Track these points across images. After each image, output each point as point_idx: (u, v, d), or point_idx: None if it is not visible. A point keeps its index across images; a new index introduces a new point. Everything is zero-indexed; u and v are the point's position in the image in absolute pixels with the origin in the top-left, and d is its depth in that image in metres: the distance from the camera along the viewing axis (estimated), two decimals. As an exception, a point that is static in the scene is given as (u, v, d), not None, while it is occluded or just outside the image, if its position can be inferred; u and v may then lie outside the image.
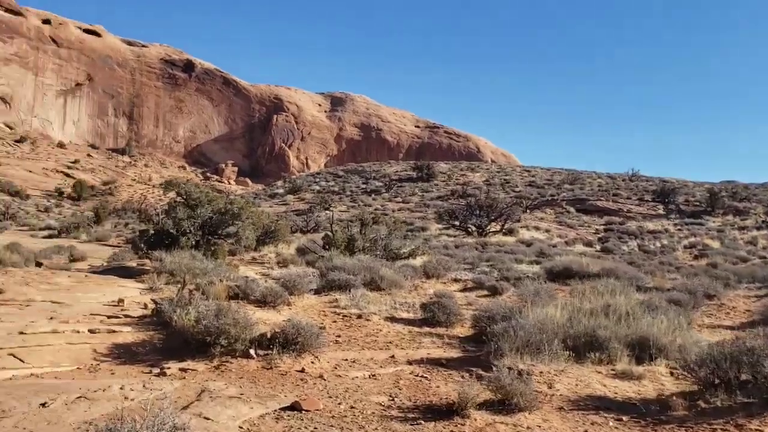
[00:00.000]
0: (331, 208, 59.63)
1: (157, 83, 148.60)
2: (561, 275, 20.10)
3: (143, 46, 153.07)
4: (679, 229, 58.97)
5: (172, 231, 18.06)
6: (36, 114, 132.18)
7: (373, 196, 77.39)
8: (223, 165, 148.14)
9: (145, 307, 11.57)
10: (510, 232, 52.80)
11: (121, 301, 11.82)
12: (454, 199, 74.92)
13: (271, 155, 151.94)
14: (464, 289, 18.99)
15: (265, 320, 10.69)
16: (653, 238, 53.95)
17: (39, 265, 23.93)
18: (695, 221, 63.35)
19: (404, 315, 12.69)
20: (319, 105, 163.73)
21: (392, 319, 12.24)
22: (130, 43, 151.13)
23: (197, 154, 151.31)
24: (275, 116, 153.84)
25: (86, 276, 14.48)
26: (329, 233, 24.81)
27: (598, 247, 46.07)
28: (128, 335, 9.44)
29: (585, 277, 18.95)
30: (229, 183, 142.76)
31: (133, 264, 19.90)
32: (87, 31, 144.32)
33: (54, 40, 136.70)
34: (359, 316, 12.19)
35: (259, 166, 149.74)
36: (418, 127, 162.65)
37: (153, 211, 56.28)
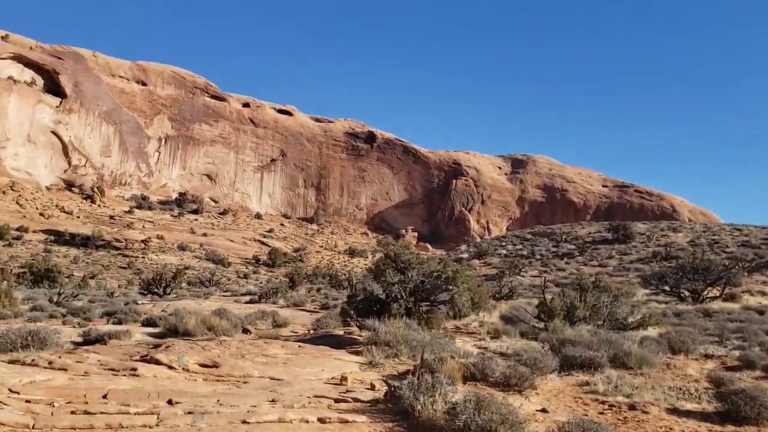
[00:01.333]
0: (522, 273, 56.64)
1: (341, 155, 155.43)
2: None
3: (329, 121, 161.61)
4: None
5: (381, 297, 16.57)
6: (237, 188, 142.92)
7: (566, 259, 73.15)
8: (404, 230, 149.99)
9: (372, 387, 9.86)
10: (731, 297, 46.62)
11: (344, 379, 10.22)
12: (656, 261, 68.72)
13: (451, 220, 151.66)
14: (727, 368, 15.52)
15: (524, 412, 8.49)
16: None
17: (246, 331, 23.65)
18: None
19: (689, 406, 9.88)
20: (499, 168, 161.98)
21: (676, 412, 9.50)
22: (318, 120, 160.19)
23: (378, 221, 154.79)
24: (454, 181, 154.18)
25: (299, 346, 13.23)
26: (544, 299, 22.22)
27: None
28: (364, 427, 7.67)
29: None
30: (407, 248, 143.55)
31: (341, 332, 18.64)
32: (280, 111, 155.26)
33: (252, 121, 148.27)
34: (631, 407, 9.58)
35: (439, 231, 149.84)
36: (605, 186, 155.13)
37: (343, 276, 56.70)
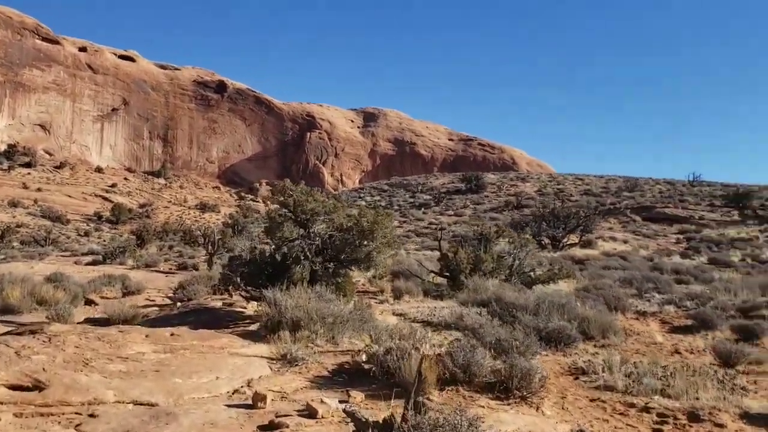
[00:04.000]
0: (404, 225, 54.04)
1: (190, 105, 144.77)
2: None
3: (176, 69, 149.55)
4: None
5: (276, 258, 12.42)
6: (74, 140, 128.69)
7: (423, 209, 71.70)
8: (258, 184, 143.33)
9: (312, 414, 5.89)
10: (588, 244, 46.73)
11: (260, 399, 6.13)
12: (509, 210, 69.01)
13: (305, 173, 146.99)
14: (675, 329, 13.07)
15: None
16: (747, 246, 47.44)
17: (90, 303, 18.47)
18: (779, 227, 56.39)
19: (750, 404, 6.79)
20: (352, 121, 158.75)
21: (749, 417, 6.39)
22: (163, 67, 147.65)
23: (231, 174, 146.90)
24: (308, 134, 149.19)
25: (172, 335, 8.87)
26: (446, 253, 19.02)
27: (703, 259, 39.82)
28: None
29: None
30: (264, 202, 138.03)
31: (217, 303, 14.26)
32: (122, 57, 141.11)
33: (90, 67, 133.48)
34: (692, 416, 6.31)
35: (294, 185, 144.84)
36: (451, 140, 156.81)
37: (198, 232, 51.01)
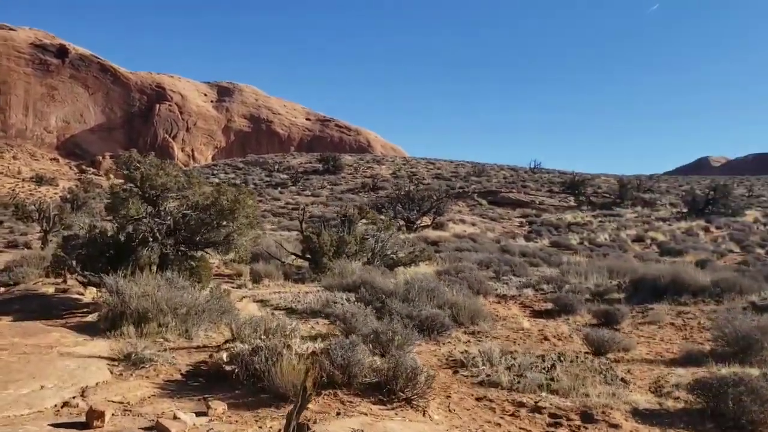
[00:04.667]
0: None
1: (26, 69, 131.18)
2: (645, 289, 14.52)
3: (11, 29, 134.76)
4: (601, 222, 56.12)
5: (119, 239, 10.82)
6: None
7: (279, 189, 69.99)
8: (101, 157, 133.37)
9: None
10: (440, 226, 47.71)
11: (97, 416, 4.88)
12: (365, 192, 69.12)
13: (154, 147, 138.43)
14: (536, 314, 13.06)
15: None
16: (584, 230, 50.67)
17: None
18: (609, 212, 61.02)
19: (641, 400, 6.48)
20: (205, 95, 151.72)
21: (641, 415, 6.05)
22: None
23: (71, 146, 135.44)
24: (158, 105, 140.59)
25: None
26: (309, 234, 18.06)
27: (546, 242, 41.84)
28: None
29: (690, 291, 13.58)
30: (108, 177, 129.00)
31: (49, 289, 12.32)
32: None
33: None
34: (585, 416, 5.87)
35: (143, 156, 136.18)
36: (309, 119, 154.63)
37: (32, 206, 46.19)
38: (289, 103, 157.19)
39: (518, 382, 6.67)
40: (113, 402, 5.51)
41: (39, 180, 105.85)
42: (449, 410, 5.85)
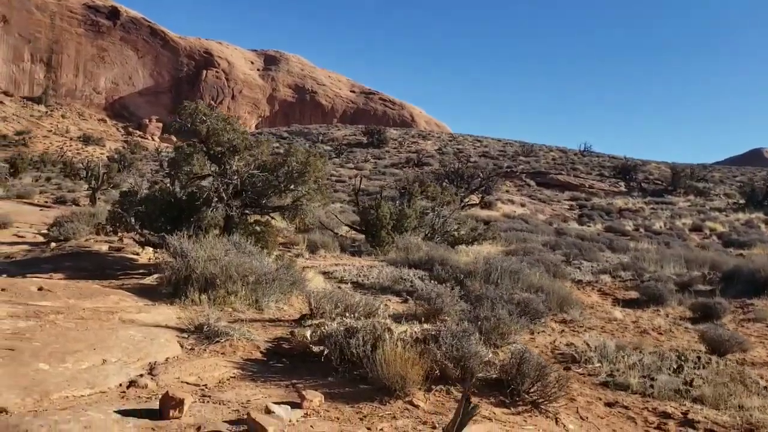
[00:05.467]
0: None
1: (78, 30, 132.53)
2: (740, 282, 13.22)
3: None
4: (653, 209, 54.08)
5: (182, 197, 10.03)
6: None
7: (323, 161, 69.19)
8: (147, 120, 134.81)
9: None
10: (488, 205, 46.41)
11: (174, 405, 4.00)
12: (409, 167, 67.96)
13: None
14: (625, 304, 11.92)
15: None
16: (636, 217, 48.87)
17: (-62, 236, 15.15)
18: (661, 200, 58.79)
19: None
20: (252, 63, 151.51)
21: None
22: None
23: (119, 107, 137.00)
24: (205, 71, 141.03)
25: (41, 290, 6.49)
26: (367, 207, 17.15)
27: (599, 227, 40.35)
28: None
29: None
30: (153, 139, 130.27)
31: (102, 247, 11.65)
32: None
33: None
34: None
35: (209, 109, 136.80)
36: (353, 92, 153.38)
37: (80, 165, 46.32)
38: (334, 75, 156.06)
39: (651, 386, 5.64)
40: (187, 383, 4.66)
41: (86, 139, 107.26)
42: (581, 418, 4.86)
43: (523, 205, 51.80)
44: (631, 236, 32.91)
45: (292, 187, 10.07)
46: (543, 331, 8.21)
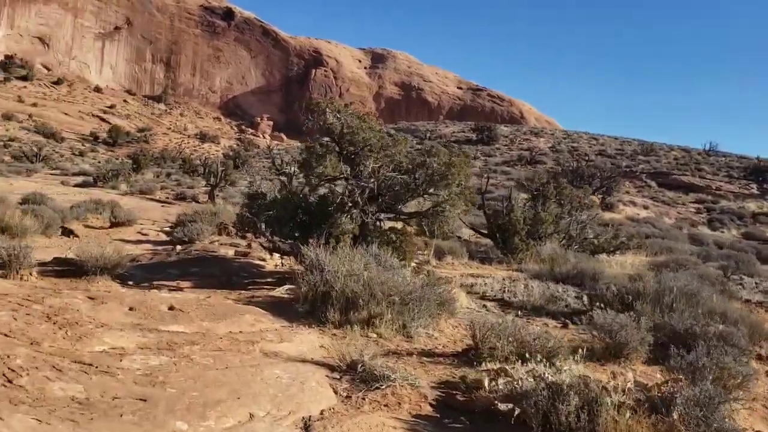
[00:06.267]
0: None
1: (195, 30, 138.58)
2: None
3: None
4: (795, 214, 49.23)
5: (312, 201, 9.18)
6: (74, 56, 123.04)
7: (467, 161, 68.20)
8: (259, 118, 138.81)
9: None
10: (610, 207, 43.66)
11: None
12: (521, 165, 65.65)
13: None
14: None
15: None
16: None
17: (67, 233, 15.23)
18: (802, 204, 53.47)
19: None
20: (359, 61, 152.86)
21: None
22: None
23: (233, 106, 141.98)
24: (314, 70, 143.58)
25: (171, 310, 5.72)
26: (497, 210, 15.83)
27: (734, 233, 36.96)
28: None
29: None
30: (264, 137, 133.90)
31: (229, 252, 11.03)
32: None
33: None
34: None
35: (296, 122, 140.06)
36: (460, 88, 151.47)
37: (198, 161, 47.59)
38: (441, 71, 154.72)
39: None
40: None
41: (202, 137, 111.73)
42: None
43: (645, 208, 48.66)
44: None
45: (431, 190, 8.97)
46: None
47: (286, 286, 8.16)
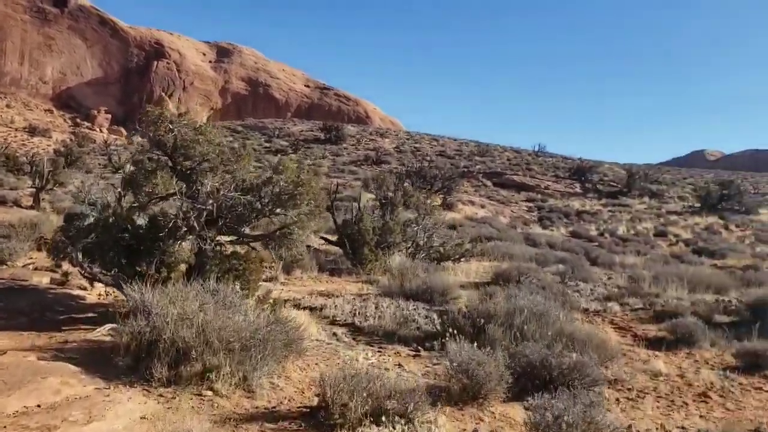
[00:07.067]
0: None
1: (23, 16, 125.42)
2: None
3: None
4: (611, 211, 53.70)
5: (141, 224, 7.93)
6: None
7: (279, 156, 66.70)
8: (95, 111, 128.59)
9: None
10: (449, 207, 44.92)
11: None
12: (368, 165, 66.13)
13: (150, 104, 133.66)
14: (650, 345, 10.32)
15: None
16: (596, 219, 48.28)
17: None
18: (617, 202, 58.61)
19: None
20: (204, 54, 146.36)
21: None
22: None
23: (66, 98, 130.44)
24: (156, 62, 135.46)
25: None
26: (346, 219, 15.22)
27: (563, 231, 39.35)
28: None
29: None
30: (101, 131, 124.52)
31: (44, 279, 9.40)
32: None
33: None
34: None
35: (136, 115, 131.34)
36: (308, 86, 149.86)
37: (25, 159, 42.70)
38: (289, 68, 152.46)
39: None
40: None
41: (32, 130, 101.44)
42: None
43: (483, 207, 50.67)
44: (598, 242, 31.89)
45: (278, 210, 8.08)
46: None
47: (108, 326, 6.92)
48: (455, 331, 7.86)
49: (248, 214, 7.97)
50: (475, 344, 7.66)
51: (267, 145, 72.46)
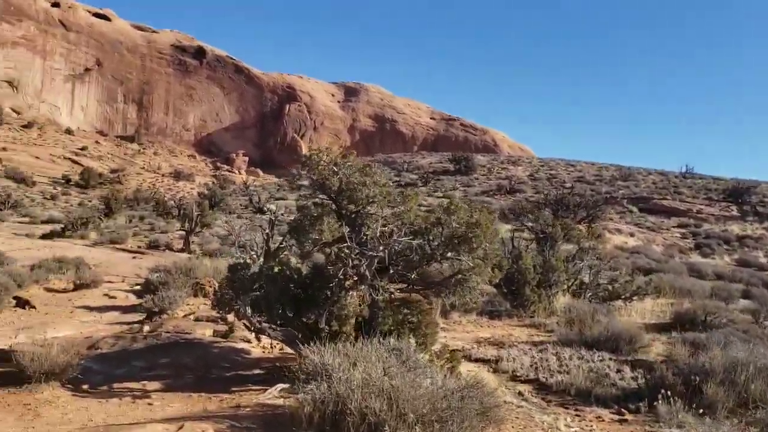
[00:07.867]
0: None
1: (167, 70, 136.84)
2: None
3: (153, 31, 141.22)
4: (778, 236, 48.54)
5: (304, 273, 7.51)
6: (44, 99, 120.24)
7: (409, 189, 66.81)
8: (234, 155, 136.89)
9: None
10: (596, 236, 42.39)
11: None
12: (501, 194, 64.57)
13: (283, 145, 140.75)
14: None
15: None
16: (761, 246, 43.80)
17: (22, 304, 13.24)
18: (783, 225, 52.88)
19: None
20: (332, 95, 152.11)
21: None
22: (140, 28, 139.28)
23: (207, 143, 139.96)
24: (287, 105, 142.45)
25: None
26: (512, 259, 14.22)
27: (727, 259, 35.88)
28: None
29: None
30: (240, 173, 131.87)
31: (207, 332, 9.26)
32: (96, 15, 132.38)
33: (63, 24, 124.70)
34: None
35: (271, 157, 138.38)
36: (433, 119, 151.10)
37: (172, 202, 45.45)
38: (414, 102, 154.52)
39: None
40: None
41: (177, 175, 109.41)
42: None
43: (632, 235, 47.58)
44: (773, 272, 28.61)
45: (449, 254, 7.34)
46: None
47: (280, 386, 6.45)
48: (666, 392, 6.72)
49: (419, 260, 7.29)
50: (694, 407, 6.52)
51: (397, 179, 73.02)
